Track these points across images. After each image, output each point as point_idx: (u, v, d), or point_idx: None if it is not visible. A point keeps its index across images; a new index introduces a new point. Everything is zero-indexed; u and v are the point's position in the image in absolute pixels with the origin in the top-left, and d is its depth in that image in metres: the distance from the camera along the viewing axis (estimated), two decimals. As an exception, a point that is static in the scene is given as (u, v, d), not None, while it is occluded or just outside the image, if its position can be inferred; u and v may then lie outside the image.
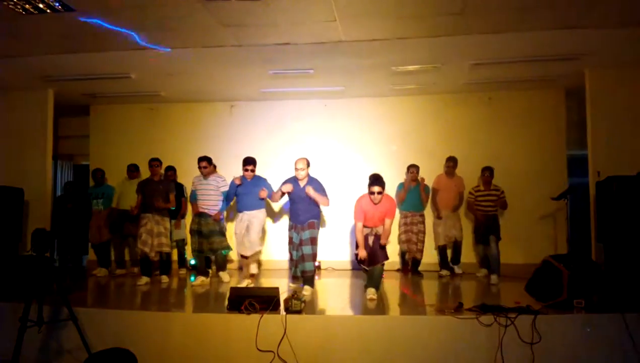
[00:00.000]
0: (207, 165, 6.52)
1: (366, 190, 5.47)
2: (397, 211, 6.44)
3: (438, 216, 7.29)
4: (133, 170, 7.54)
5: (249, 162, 6.27)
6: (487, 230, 6.91)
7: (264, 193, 6.15)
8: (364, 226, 5.57)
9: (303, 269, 5.79)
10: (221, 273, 6.73)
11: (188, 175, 7.34)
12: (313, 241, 5.82)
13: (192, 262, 7.39)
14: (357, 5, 4.79)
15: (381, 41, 5.70)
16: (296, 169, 5.81)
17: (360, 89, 7.89)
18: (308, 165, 5.87)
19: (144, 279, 6.47)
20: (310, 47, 5.90)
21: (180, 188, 7.29)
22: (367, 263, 5.53)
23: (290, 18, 5.09)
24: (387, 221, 5.51)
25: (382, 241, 5.52)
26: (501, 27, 5.41)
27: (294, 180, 5.92)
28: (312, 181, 5.89)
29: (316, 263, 6.10)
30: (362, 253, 5.50)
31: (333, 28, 5.31)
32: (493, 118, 8.05)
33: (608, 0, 4.78)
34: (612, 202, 5.92)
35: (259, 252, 6.65)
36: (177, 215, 7.18)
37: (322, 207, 6.01)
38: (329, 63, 6.51)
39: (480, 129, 8.04)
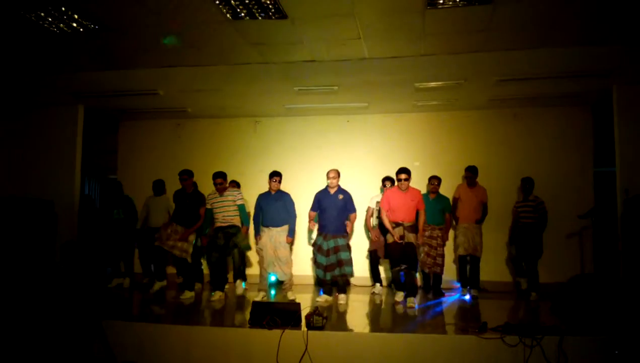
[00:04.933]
0: (222, 181, 6.55)
1: None
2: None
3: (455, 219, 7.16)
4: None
5: (275, 173, 6.46)
6: (526, 244, 6.86)
7: (289, 240, 6.38)
8: (394, 221, 5.94)
9: (343, 272, 6.14)
10: (238, 282, 6.60)
11: (213, 190, 7.45)
12: (348, 247, 6.27)
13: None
14: (381, 22, 4.84)
15: (405, 58, 5.73)
16: (329, 178, 6.34)
17: (384, 105, 7.91)
18: (337, 175, 6.38)
19: (188, 293, 6.52)
20: (334, 64, 5.96)
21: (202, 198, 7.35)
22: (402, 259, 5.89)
23: (316, 36, 5.16)
24: (421, 213, 6.02)
25: (419, 238, 6.01)
26: (527, 44, 5.38)
27: (324, 190, 6.39)
28: (343, 191, 6.34)
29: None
30: (396, 234, 5.87)
31: (357, 45, 5.37)
32: (518, 134, 7.99)
33: (635, 16, 4.73)
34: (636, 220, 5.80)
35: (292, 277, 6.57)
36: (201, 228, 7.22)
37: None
38: (353, 80, 6.56)
39: (505, 146, 7.98)
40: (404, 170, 6.02)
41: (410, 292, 6.01)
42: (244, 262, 7.21)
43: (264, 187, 6.65)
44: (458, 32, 5.06)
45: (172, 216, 6.78)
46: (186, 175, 6.72)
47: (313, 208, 6.43)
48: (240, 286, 6.69)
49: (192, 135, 8.84)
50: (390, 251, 6.09)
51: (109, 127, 9.09)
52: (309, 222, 6.57)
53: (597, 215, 6.99)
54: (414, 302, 5.93)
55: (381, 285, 7.29)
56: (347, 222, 6.34)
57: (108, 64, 6.14)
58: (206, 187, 7.69)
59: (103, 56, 5.88)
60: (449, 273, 7.40)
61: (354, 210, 6.38)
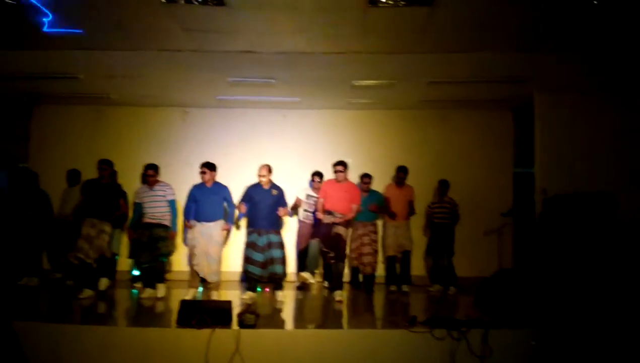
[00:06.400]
0: (154, 173, 6.26)
1: None
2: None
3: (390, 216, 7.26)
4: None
5: (206, 165, 6.15)
6: (440, 244, 7.16)
7: (227, 227, 6.26)
8: (326, 210, 6.15)
9: (273, 271, 6.04)
10: (158, 286, 6.26)
11: (136, 182, 7.10)
12: (282, 245, 6.17)
13: (136, 273, 7.09)
14: (323, 17, 4.78)
15: (345, 54, 5.74)
16: (261, 175, 6.19)
17: (317, 101, 7.90)
18: (270, 171, 6.25)
19: (87, 292, 6.00)
20: (272, 57, 5.84)
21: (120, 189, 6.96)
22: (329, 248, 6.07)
23: (255, 26, 5.02)
24: (354, 206, 6.18)
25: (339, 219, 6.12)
26: (460, 47, 5.55)
27: (257, 185, 6.23)
28: (276, 187, 6.27)
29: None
30: (326, 219, 6.12)
31: (297, 39, 5.30)
32: (446, 135, 8.28)
33: (559, 26, 5.01)
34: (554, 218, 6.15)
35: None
36: (121, 220, 6.80)
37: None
38: (290, 73, 6.48)
39: (433, 145, 8.24)
40: (340, 163, 6.28)
41: (337, 285, 6.20)
42: (164, 268, 6.72)
43: (189, 179, 6.41)
44: (397, 31, 5.12)
45: (83, 209, 6.28)
46: (106, 165, 6.32)
47: (243, 200, 6.25)
48: (162, 289, 6.29)
49: (114, 123, 8.33)
50: (320, 236, 6.25)
51: (21, 111, 8.36)
52: (239, 209, 6.32)
53: (517, 214, 7.37)
54: (342, 296, 6.10)
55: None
56: (281, 209, 6.17)
57: (23, 43, 5.61)
58: (128, 179, 7.33)
59: (17, 34, 5.35)
60: (381, 270, 7.50)
61: (285, 205, 6.35)
